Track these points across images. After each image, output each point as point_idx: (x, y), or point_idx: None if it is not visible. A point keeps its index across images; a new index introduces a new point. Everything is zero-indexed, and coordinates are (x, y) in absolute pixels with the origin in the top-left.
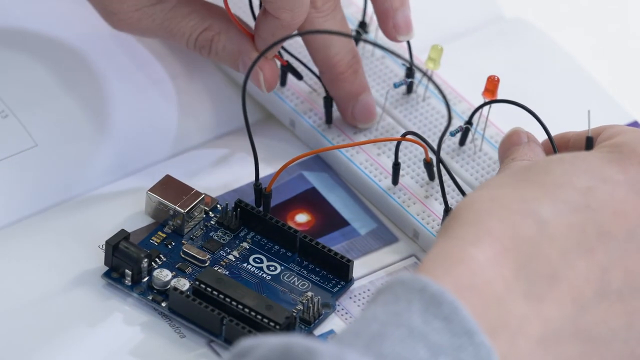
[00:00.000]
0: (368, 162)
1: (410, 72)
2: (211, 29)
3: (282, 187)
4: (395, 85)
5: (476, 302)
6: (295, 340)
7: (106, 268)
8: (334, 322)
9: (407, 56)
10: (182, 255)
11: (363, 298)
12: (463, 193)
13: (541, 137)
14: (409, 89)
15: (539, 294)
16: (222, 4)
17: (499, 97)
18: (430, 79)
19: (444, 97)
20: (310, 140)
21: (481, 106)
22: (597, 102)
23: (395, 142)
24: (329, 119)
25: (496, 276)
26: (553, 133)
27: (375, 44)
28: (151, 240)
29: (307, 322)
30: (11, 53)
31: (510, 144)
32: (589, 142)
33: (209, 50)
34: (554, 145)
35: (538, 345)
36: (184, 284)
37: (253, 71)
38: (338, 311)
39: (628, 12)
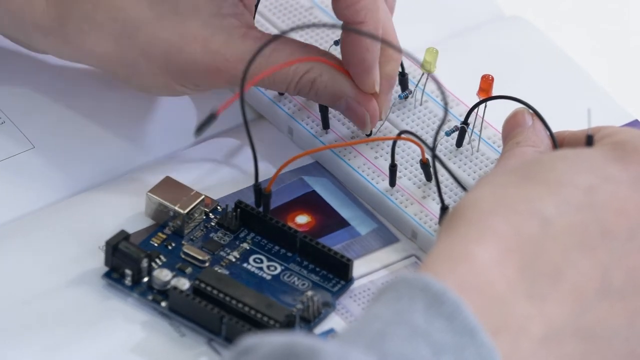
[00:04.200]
0: (365, 166)
1: (403, 79)
2: (312, 71)
3: (282, 190)
4: (400, 97)
5: (479, 301)
6: (298, 339)
7: (106, 268)
8: (334, 321)
9: (405, 51)
10: (182, 256)
11: (363, 297)
12: (463, 188)
13: None
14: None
15: (542, 294)
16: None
17: (497, 95)
18: (430, 75)
19: (441, 91)
20: (308, 146)
21: (477, 104)
22: (596, 101)
23: (391, 145)
24: (325, 124)
25: (499, 276)
26: None
27: (371, 36)
28: (151, 242)
29: (307, 321)
30: (10, 56)
31: (515, 124)
32: (590, 141)
33: (308, 90)
34: (555, 140)
35: (540, 345)
36: (183, 284)
37: (358, 111)
38: (338, 310)
39: (628, 12)
